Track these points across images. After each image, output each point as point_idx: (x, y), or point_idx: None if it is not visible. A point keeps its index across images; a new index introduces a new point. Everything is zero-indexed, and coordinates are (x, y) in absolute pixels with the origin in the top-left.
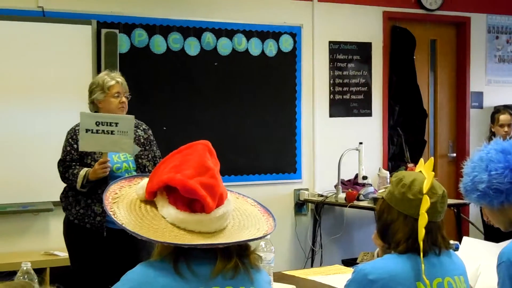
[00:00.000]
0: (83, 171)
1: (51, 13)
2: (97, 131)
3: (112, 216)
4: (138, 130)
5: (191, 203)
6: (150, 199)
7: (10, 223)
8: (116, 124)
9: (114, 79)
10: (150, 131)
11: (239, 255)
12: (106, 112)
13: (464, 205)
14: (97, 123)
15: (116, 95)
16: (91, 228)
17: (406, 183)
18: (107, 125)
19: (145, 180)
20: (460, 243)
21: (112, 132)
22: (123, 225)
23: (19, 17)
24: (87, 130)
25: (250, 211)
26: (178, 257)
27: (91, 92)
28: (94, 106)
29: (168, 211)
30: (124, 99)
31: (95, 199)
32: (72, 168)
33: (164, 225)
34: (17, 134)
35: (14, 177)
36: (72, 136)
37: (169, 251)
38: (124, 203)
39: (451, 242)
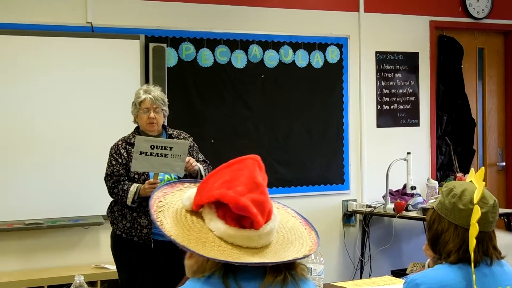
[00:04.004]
0: (134, 187)
1: (99, 29)
2: (151, 154)
3: (161, 228)
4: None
5: (240, 218)
6: (196, 210)
7: (61, 237)
8: (171, 148)
9: (147, 93)
10: (191, 138)
11: (287, 267)
12: (140, 126)
13: None
14: (152, 147)
15: (145, 110)
16: (139, 240)
17: (456, 193)
18: (162, 148)
19: (192, 191)
20: None
21: (165, 155)
22: (171, 237)
23: (68, 33)
24: (141, 153)
25: (292, 224)
26: (227, 272)
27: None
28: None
29: (217, 225)
30: (152, 114)
31: (140, 212)
32: (122, 184)
33: (212, 238)
34: (67, 149)
35: (64, 191)
36: (117, 151)
37: (218, 266)
38: (170, 212)
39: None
